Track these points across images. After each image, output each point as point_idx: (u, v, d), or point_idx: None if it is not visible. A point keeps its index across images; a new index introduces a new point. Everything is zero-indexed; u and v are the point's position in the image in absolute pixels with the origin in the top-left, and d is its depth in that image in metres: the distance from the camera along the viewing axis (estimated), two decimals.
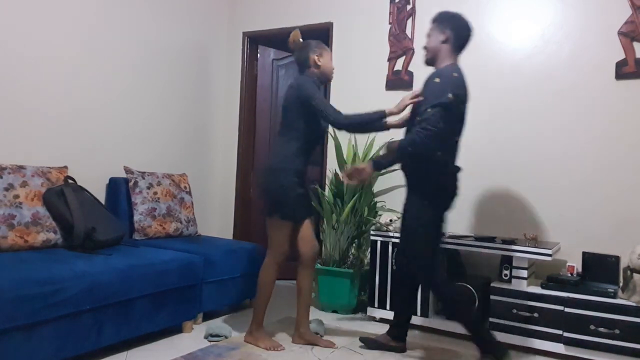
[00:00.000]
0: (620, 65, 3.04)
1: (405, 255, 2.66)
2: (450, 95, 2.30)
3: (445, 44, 2.47)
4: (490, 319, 2.95)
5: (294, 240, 2.79)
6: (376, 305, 3.33)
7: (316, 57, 2.74)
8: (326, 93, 4.12)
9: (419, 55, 3.70)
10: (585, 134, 3.15)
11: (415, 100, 2.53)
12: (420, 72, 3.67)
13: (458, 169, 2.55)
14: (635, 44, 3.01)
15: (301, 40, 2.82)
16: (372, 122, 2.67)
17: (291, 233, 2.75)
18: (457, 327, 3.06)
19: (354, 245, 3.63)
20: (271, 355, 2.61)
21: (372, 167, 2.51)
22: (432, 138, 2.30)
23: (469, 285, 3.07)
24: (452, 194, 2.55)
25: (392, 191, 3.75)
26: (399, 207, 3.68)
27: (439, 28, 2.49)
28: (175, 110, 4.06)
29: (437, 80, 2.37)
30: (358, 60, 3.95)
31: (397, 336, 2.75)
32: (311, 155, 2.81)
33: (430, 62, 2.55)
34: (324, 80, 2.85)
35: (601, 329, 2.64)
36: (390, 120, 2.71)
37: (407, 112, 2.70)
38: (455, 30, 2.47)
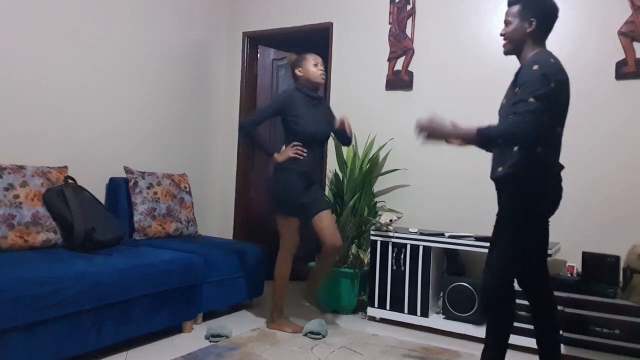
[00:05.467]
0: (620, 65, 3.04)
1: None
2: (552, 84, 2.00)
3: (532, 34, 2.14)
4: None
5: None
6: (376, 305, 3.33)
7: (296, 71, 3.05)
8: (326, 92, 4.13)
9: (419, 55, 3.72)
10: (585, 134, 3.14)
11: (297, 150, 2.91)
12: (420, 72, 3.70)
13: (561, 167, 2.18)
14: (635, 44, 3.01)
15: (294, 57, 3.13)
16: (259, 148, 3.27)
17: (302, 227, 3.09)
18: (457, 328, 3.07)
19: (354, 245, 3.63)
20: (271, 355, 2.62)
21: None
22: (532, 131, 1.95)
23: (469, 285, 3.08)
24: (556, 197, 2.18)
25: (392, 191, 3.76)
26: (399, 207, 3.72)
27: (522, 15, 2.14)
28: (175, 110, 4.06)
29: (536, 67, 2.02)
30: (358, 60, 3.95)
31: None
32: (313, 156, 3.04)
33: (512, 53, 2.23)
34: (313, 86, 3.04)
35: (601, 329, 2.64)
36: (276, 156, 2.98)
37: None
38: (542, 16, 2.14)
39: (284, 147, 3.01)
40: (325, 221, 2.98)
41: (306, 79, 3.01)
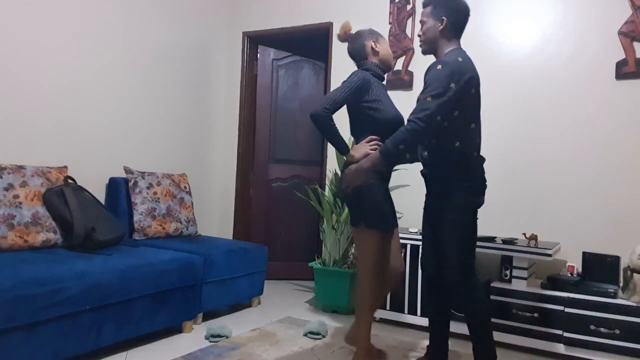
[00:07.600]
0: (620, 65, 3.04)
1: (440, 262, 2.34)
2: (452, 85, 2.11)
3: (444, 31, 2.27)
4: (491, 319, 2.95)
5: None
6: None
7: (372, 43, 2.47)
8: (326, 91, 4.12)
9: (419, 55, 3.71)
10: (585, 134, 3.15)
11: (375, 146, 2.30)
12: (420, 72, 3.68)
13: (482, 159, 2.29)
14: (635, 44, 3.01)
15: (352, 32, 2.54)
16: (333, 143, 2.38)
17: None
18: (458, 328, 3.07)
19: (354, 245, 3.63)
20: (271, 355, 2.61)
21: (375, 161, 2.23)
22: (427, 130, 2.12)
23: None
24: (480, 187, 2.28)
25: (392, 191, 3.73)
26: (399, 207, 3.69)
27: (433, 14, 2.28)
28: (175, 110, 4.06)
29: (440, 67, 2.15)
30: None
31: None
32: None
33: (428, 52, 2.35)
34: (386, 69, 2.52)
35: (601, 329, 2.64)
36: (352, 154, 2.35)
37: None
38: (452, 14, 2.26)
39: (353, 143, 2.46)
40: (396, 241, 2.52)
41: (382, 58, 2.49)
